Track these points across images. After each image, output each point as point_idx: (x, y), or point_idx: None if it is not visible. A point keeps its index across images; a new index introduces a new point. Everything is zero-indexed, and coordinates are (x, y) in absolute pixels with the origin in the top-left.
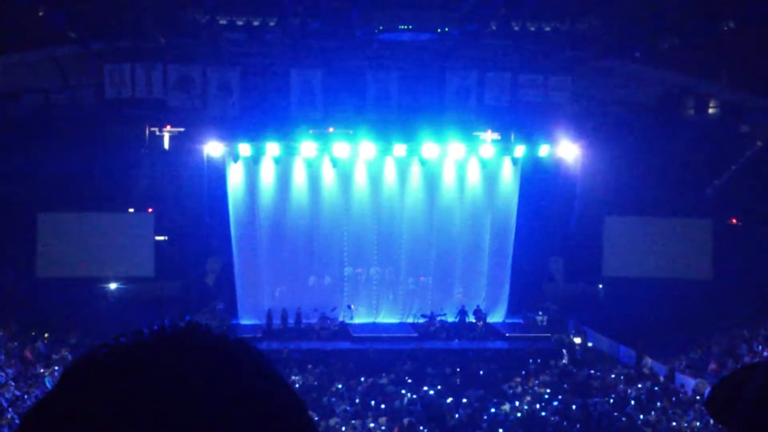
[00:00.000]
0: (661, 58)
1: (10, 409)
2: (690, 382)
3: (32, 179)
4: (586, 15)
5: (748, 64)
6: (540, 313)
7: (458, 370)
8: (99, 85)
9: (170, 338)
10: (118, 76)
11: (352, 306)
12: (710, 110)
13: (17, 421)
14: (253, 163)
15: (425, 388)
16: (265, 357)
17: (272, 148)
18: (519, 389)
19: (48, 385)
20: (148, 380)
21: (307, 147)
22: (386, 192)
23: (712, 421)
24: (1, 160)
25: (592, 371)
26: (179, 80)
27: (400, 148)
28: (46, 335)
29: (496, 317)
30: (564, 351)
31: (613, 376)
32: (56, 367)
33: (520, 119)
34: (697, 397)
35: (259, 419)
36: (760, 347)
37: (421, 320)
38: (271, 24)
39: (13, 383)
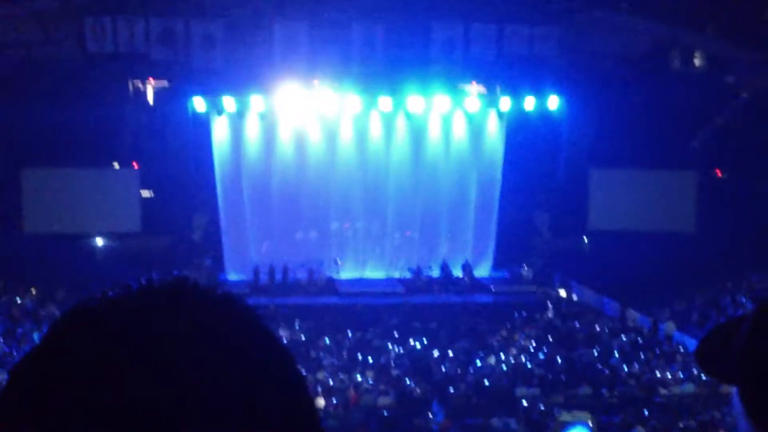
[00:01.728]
0: (648, 9)
1: None
2: (674, 334)
3: (15, 135)
4: None
5: (735, 16)
6: (525, 266)
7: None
8: (80, 39)
9: (158, 292)
10: (100, 30)
11: (339, 261)
12: (696, 62)
13: (6, 377)
14: (238, 117)
15: (412, 342)
16: (253, 310)
17: (257, 102)
18: (505, 342)
19: (36, 340)
20: (135, 334)
21: (292, 100)
22: (372, 146)
23: (695, 372)
24: None
25: (577, 324)
26: (162, 33)
27: (385, 102)
28: (33, 291)
29: (482, 271)
30: (549, 304)
31: (597, 328)
32: (44, 323)
33: (506, 72)
34: (680, 348)
35: (248, 372)
36: (743, 299)
37: (408, 275)
38: None
39: (1, 339)
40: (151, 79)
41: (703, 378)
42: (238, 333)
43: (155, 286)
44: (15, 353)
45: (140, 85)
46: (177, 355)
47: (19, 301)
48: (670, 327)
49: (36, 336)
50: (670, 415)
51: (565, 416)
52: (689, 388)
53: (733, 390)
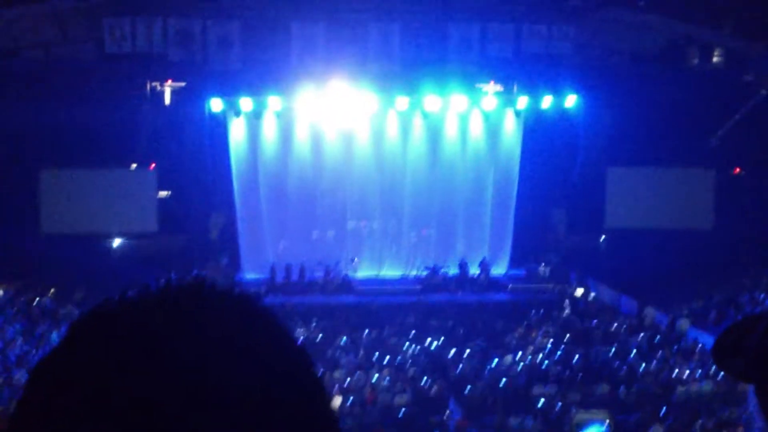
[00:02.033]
0: (665, 6)
1: (17, 365)
2: (691, 331)
3: (34, 136)
4: None
5: (753, 13)
6: (542, 264)
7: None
8: (99, 40)
9: (176, 293)
10: (118, 30)
11: (356, 259)
12: (714, 59)
13: (25, 376)
14: (255, 117)
15: (429, 340)
16: (270, 311)
17: (274, 102)
18: (521, 341)
19: (54, 340)
20: (154, 335)
21: (309, 101)
22: (389, 145)
23: (713, 370)
24: (2, 116)
25: (594, 322)
26: (179, 34)
27: (402, 101)
28: (52, 291)
29: (499, 269)
30: (566, 302)
31: (614, 326)
32: (63, 323)
33: (522, 71)
34: (697, 346)
35: (266, 374)
36: (761, 296)
37: (424, 273)
38: None
39: (20, 338)
40: (168, 80)
41: (721, 376)
42: (255, 334)
43: (173, 288)
44: (34, 352)
45: (157, 86)
46: (195, 357)
47: (37, 301)
48: (684, 324)
49: (55, 335)
50: (687, 413)
51: (582, 415)
52: (707, 386)
53: (750, 388)
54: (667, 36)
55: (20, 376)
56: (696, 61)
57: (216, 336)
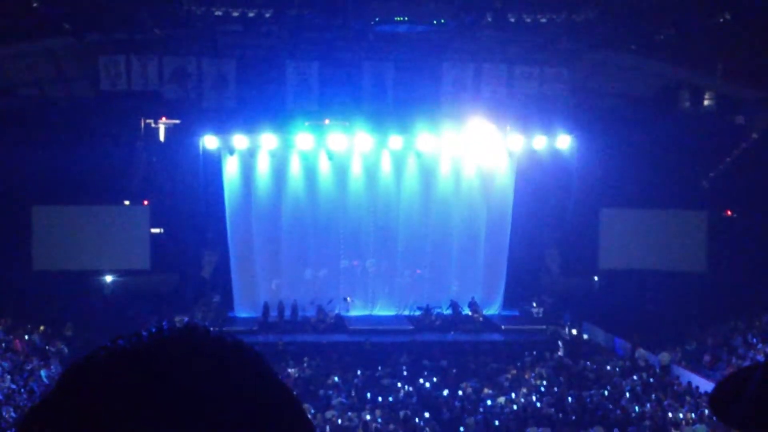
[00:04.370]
0: (657, 50)
1: (5, 403)
2: (685, 374)
3: (27, 172)
4: (582, 7)
5: (744, 57)
6: (535, 305)
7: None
8: (94, 78)
9: (169, 341)
10: (114, 68)
11: (348, 298)
12: (706, 102)
13: (13, 414)
14: (249, 155)
15: (421, 380)
16: (262, 358)
17: (268, 140)
18: (515, 381)
19: (44, 378)
20: (147, 384)
21: (303, 139)
22: (382, 184)
23: (707, 413)
24: None
25: (588, 363)
26: (175, 72)
27: (396, 140)
28: (41, 328)
29: (492, 309)
30: (560, 343)
31: (608, 368)
32: (52, 360)
33: (516, 111)
34: (693, 388)
35: (256, 419)
36: (755, 339)
37: (417, 313)
38: (267, 15)
39: (9, 376)
40: (163, 117)
41: (716, 419)
42: (247, 381)
43: (165, 334)
44: (23, 390)
45: (152, 123)
46: (185, 405)
47: (27, 338)
48: (664, 358)
49: (44, 373)
50: None
51: None
52: (701, 429)
53: None
54: (660, 79)
55: (8, 414)
56: (687, 104)
57: (207, 384)
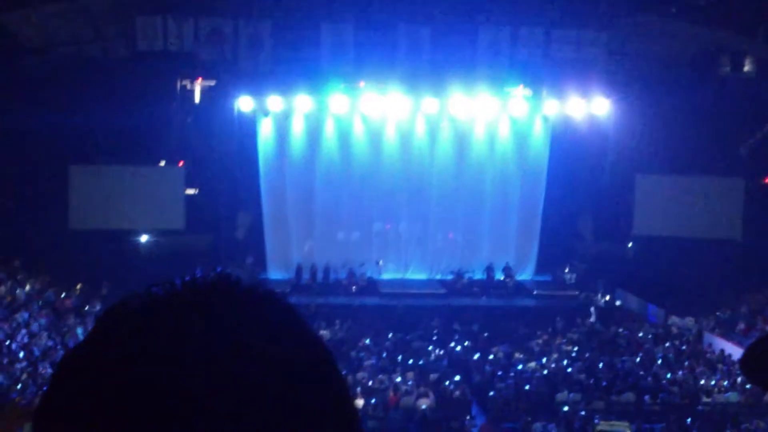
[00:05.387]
0: (697, 14)
1: (42, 359)
2: (718, 342)
3: (64, 132)
4: None
5: None
6: (568, 270)
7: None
8: (131, 37)
9: (201, 288)
10: (150, 28)
11: (380, 262)
12: (746, 68)
13: (49, 370)
14: (284, 118)
15: (452, 344)
16: (295, 308)
17: (303, 103)
18: (546, 346)
19: (80, 335)
20: (178, 330)
21: (337, 101)
22: (416, 148)
23: (739, 380)
24: (34, 113)
25: (620, 330)
26: (210, 33)
27: (430, 103)
28: (78, 286)
29: (525, 275)
30: (592, 309)
31: (640, 334)
32: (88, 318)
33: (552, 75)
34: (725, 356)
35: (289, 370)
36: None
37: (450, 277)
38: None
39: (45, 333)
40: (199, 78)
41: (748, 386)
42: (279, 330)
43: (198, 283)
44: (59, 347)
45: (188, 84)
46: (221, 350)
47: (63, 296)
48: (689, 323)
49: (80, 331)
50: (713, 423)
51: (603, 426)
52: (733, 396)
53: None
54: (699, 43)
55: (44, 370)
56: (727, 69)
57: (242, 330)
